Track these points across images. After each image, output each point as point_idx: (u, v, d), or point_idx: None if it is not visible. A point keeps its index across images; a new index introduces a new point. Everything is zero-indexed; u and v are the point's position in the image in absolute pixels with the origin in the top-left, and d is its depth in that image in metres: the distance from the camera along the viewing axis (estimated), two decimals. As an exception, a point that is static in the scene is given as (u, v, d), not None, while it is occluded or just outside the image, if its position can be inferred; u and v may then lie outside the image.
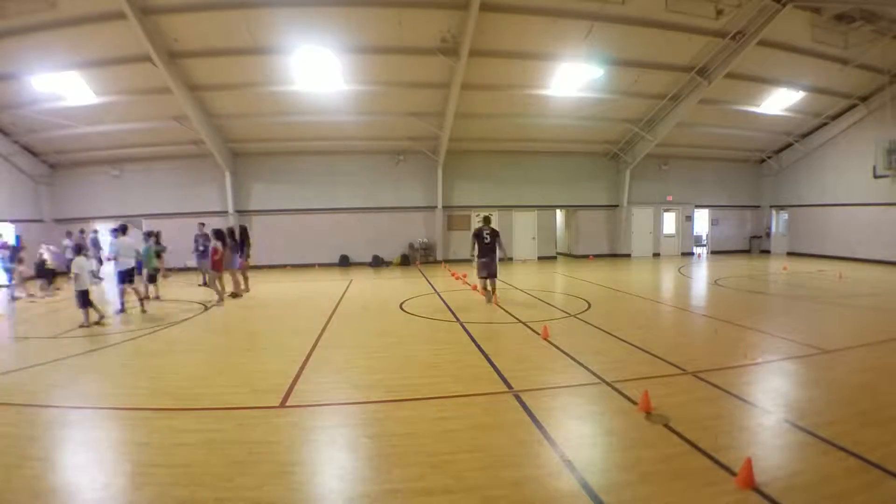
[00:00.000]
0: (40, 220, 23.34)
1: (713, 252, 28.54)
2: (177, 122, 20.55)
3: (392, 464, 4.63)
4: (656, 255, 27.34)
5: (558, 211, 28.15)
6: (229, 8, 15.47)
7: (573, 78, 19.49)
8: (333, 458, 4.94)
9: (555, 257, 27.17)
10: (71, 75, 17.74)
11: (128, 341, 9.82)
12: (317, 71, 18.23)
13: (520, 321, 10.73)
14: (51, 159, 23.46)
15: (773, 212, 28.56)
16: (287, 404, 6.17)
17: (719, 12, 16.56)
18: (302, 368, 7.63)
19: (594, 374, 7.01)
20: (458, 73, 17.93)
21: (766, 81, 20.93)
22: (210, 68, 18.21)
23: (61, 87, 18.23)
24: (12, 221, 21.75)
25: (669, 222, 27.97)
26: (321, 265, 21.96)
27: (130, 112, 20.09)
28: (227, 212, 23.48)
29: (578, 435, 5.25)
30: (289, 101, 20.03)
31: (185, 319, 11.89)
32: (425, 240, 25.28)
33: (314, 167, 24.56)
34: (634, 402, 5.78)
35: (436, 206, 25.00)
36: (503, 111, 21.95)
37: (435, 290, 16.16)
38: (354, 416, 5.89)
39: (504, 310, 12.12)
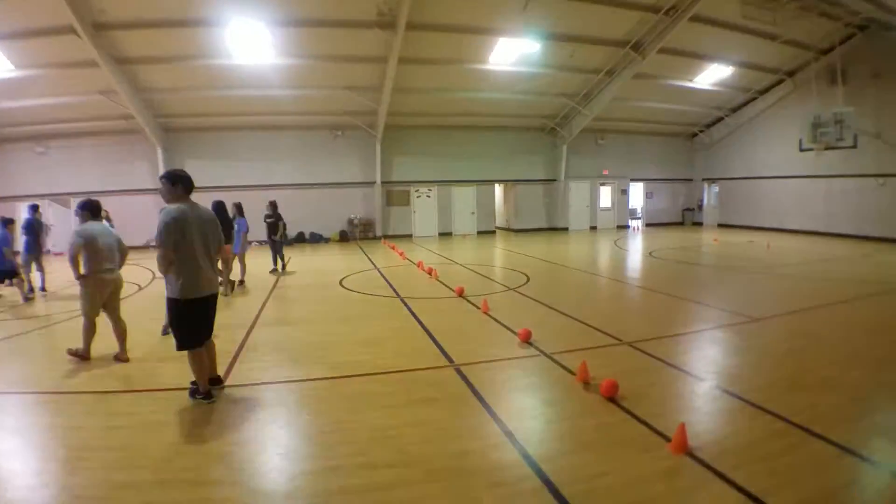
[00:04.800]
0: (-40, 200, 22.02)
1: (648, 225, 29.33)
2: (104, 97, 19.47)
3: (335, 441, 4.59)
4: (593, 228, 27.88)
5: (497, 185, 28.26)
6: (159, -24, 14.83)
7: (510, 52, 19.54)
8: (275, 436, 4.85)
9: (494, 232, 27.35)
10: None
11: (49, 325, 9.45)
12: (250, 44, 17.63)
13: (460, 296, 10.78)
14: (-33, 136, 22.05)
15: (705, 185, 29.53)
16: (226, 384, 6.04)
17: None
18: (241, 347, 7.47)
19: (533, 346, 7.10)
20: (396, 47, 17.68)
21: (699, 57, 21.45)
22: (139, 40, 17.24)
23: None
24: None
25: (606, 196, 28.57)
26: (259, 242, 21.48)
27: (54, 86, 18.87)
28: (158, 189, 22.65)
29: (519, 407, 5.32)
30: (222, 74, 19.33)
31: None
32: (364, 216, 25.11)
33: (250, 143, 23.93)
34: (573, 373, 5.89)
35: (374, 182, 24.78)
36: (441, 85, 21.81)
37: (375, 265, 16.08)
38: (296, 394, 5.81)
39: (444, 285, 12.16)
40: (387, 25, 17.13)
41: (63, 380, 6.30)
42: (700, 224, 29.52)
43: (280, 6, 16.26)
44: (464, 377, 6.02)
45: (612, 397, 5.18)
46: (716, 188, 28.87)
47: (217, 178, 23.22)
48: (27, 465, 4.35)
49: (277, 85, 20.36)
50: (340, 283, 13.06)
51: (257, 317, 9.56)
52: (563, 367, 6.23)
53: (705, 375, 5.98)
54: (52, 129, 22.14)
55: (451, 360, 6.64)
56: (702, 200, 29.88)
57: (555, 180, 27.33)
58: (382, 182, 24.83)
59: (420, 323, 8.66)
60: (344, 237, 24.72)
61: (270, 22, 16.78)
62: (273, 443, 4.73)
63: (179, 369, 6.13)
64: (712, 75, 22.97)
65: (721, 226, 27.66)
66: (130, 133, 22.22)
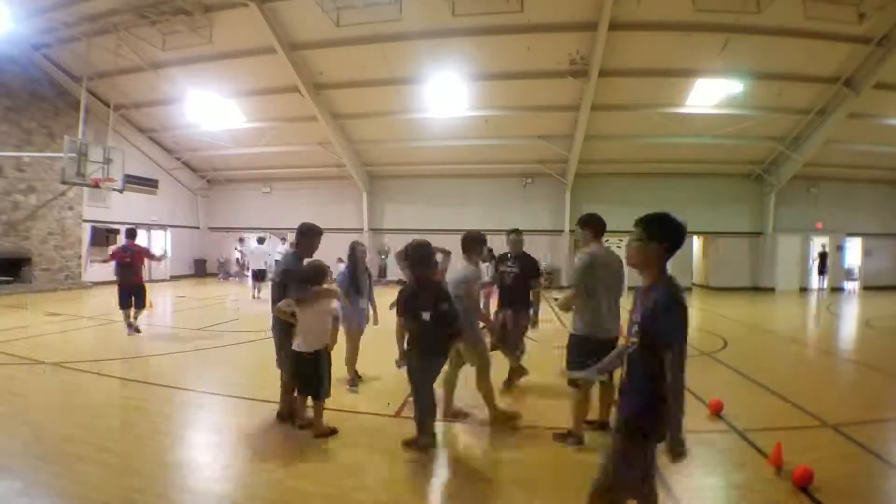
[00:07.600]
0: (196, 227, 27.10)
1: (865, 287, 26.01)
2: (321, 147, 22.42)
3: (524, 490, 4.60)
4: (803, 289, 25.25)
5: (695, 237, 26.69)
6: (369, 42, 16.57)
7: (710, 94, 18.85)
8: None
9: (689, 288, 25.72)
10: (227, 102, 19.83)
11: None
12: (447, 98, 19.06)
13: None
14: (208, 175, 26.89)
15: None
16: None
17: (861, 16, 15.23)
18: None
19: (724, 420, 6.57)
20: (588, 94, 17.89)
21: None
22: (351, 98, 19.75)
23: (218, 112, 20.44)
24: (172, 227, 25.42)
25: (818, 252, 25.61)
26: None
27: (280, 137, 22.16)
28: (362, 229, 24.87)
29: (698, 485, 4.93)
30: (421, 127, 21.09)
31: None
32: (550, 264, 25.11)
33: (442, 189, 25.45)
34: (765, 455, 5.36)
35: (563, 230, 24.78)
36: (635, 132, 21.53)
37: (558, 317, 15.90)
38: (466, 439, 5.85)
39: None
40: (579, 74, 17.42)
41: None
42: (933, 287, 25.44)
43: (476, 62, 17.32)
44: (641, 446, 5.71)
45: (804, 487, 4.63)
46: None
47: (412, 221, 24.90)
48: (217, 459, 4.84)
49: (471, 135, 21.52)
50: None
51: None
52: (755, 446, 5.69)
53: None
54: (277, 173, 26.10)
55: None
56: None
57: (761, 233, 25.25)
58: (570, 230, 24.70)
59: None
60: (528, 285, 24.72)
61: (467, 76, 17.87)
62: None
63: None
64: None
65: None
66: (341, 179, 25.06)
